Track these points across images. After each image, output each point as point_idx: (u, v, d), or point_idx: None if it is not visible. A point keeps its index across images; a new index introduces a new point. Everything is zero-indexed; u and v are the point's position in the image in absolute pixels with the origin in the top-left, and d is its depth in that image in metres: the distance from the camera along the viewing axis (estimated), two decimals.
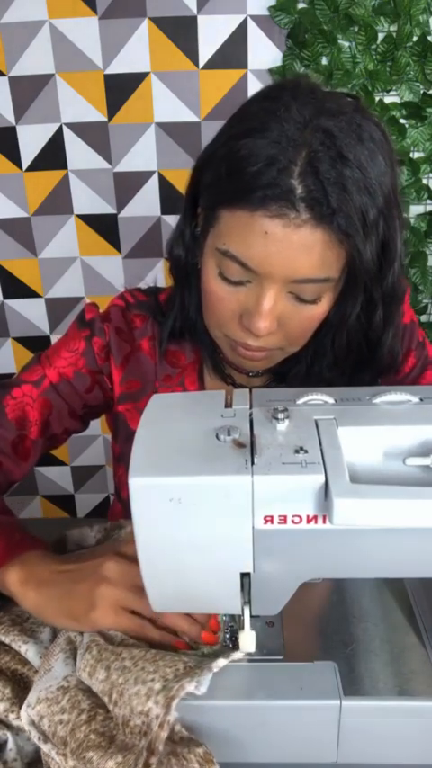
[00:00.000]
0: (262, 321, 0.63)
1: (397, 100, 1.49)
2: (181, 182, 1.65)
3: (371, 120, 0.61)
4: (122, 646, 0.57)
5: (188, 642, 0.60)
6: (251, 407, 0.55)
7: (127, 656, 0.54)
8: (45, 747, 0.53)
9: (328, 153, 0.57)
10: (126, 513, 0.49)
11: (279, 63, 1.47)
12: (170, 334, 0.79)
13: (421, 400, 0.55)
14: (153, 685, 0.51)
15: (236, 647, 0.59)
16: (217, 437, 0.50)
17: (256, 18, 1.45)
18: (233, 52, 1.48)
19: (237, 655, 0.55)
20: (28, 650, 0.61)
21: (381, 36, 1.44)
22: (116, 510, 0.92)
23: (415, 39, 1.43)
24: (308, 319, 0.66)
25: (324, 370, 0.76)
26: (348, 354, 0.74)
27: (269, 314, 0.63)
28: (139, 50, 1.48)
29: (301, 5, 1.43)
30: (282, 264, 0.60)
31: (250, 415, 0.54)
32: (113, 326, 0.81)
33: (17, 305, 1.76)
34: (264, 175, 0.57)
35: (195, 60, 1.49)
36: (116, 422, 0.84)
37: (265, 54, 1.48)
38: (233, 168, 0.59)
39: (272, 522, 0.48)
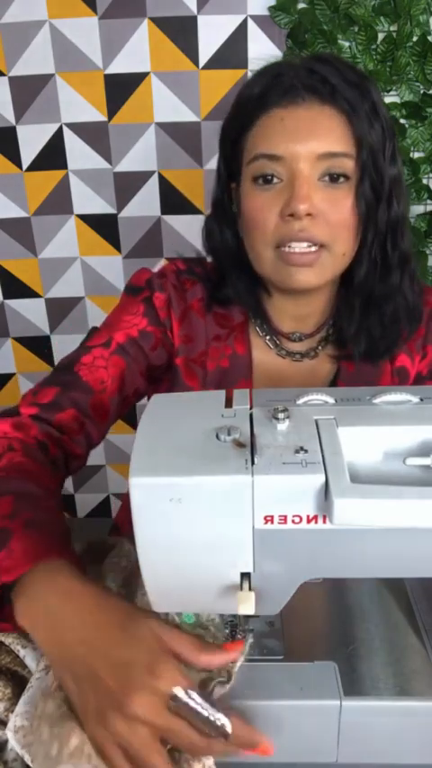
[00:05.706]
0: (302, 191, 0.70)
1: (397, 100, 1.49)
2: (181, 182, 1.65)
3: None
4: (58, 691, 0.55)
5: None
6: (251, 407, 0.55)
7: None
8: None
9: (322, 61, 0.72)
10: None
11: None
12: (218, 300, 0.85)
13: (421, 400, 0.55)
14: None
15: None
16: (217, 437, 0.50)
17: (256, 18, 1.45)
18: (233, 52, 1.48)
19: None
20: (26, 655, 0.61)
21: (381, 36, 1.44)
22: (125, 497, 0.93)
23: (415, 39, 1.43)
24: (341, 206, 0.72)
25: (373, 325, 0.82)
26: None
27: (304, 183, 0.70)
28: (139, 50, 1.48)
29: (301, 5, 1.43)
30: (301, 140, 0.70)
31: (250, 415, 0.54)
32: (170, 283, 0.85)
33: (17, 305, 1.76)
34: (273, 87, 0.71)
35: (195, 60, 1.49)
36: (172, 377, 0.87)
37: (265, 54, 1.47)
38: (248, 98, 0.73)
39: (272, 522, 0.48)
